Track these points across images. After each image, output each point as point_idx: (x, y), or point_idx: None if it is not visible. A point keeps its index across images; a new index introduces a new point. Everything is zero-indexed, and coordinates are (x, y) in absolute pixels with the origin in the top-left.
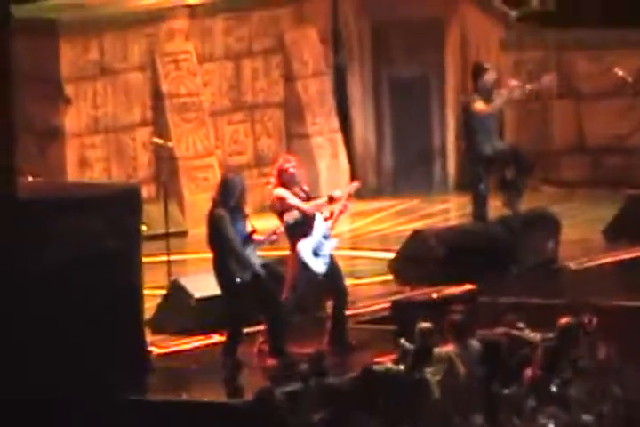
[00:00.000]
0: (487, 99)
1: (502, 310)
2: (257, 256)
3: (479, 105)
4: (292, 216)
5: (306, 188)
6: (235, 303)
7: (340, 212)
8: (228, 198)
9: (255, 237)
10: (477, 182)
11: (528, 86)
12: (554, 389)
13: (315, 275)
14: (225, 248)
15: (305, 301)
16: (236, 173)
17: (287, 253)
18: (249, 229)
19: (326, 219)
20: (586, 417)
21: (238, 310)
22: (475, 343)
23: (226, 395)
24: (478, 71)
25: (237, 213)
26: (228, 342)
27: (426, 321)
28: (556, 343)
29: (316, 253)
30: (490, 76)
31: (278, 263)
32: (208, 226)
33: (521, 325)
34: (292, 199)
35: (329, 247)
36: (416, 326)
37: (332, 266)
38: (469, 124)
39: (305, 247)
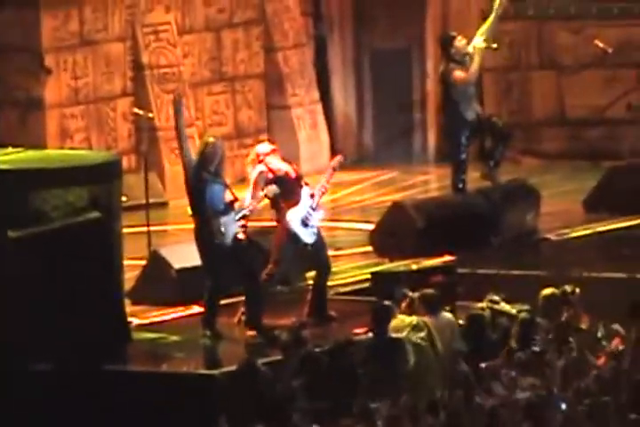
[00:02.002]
0: (463, 66)
1: (481, 282)
2: (237, 225)
3: (458, 73)
4: (271, 190)
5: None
6: (214, 273)
7: (322, 193)
8: (208, 162)
9: (236, 205)
10: (458, 152)
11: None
12: (531, 360)
13: (302, 246)
14: (204, 213)
15: (287, 272)
16: (216, 138)
17: (270, 224)
18: (230, 197)
19: (312, 195)
20: (564, 390)
21: (217, 280)
22: (446, 315)
23: (205, 366)
24: (447, 40)
25: (217, 179)
26: (207, 313)
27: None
28: (532, 315)
29: (304, 224)
30: (460, 43)
31: (258, 234)
32: (188, 191)
33: (496, 298)
34: (253, 187)
35: (317, 218)
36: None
37: (319, 238)
38: (449, 93)
39: (294, 217)
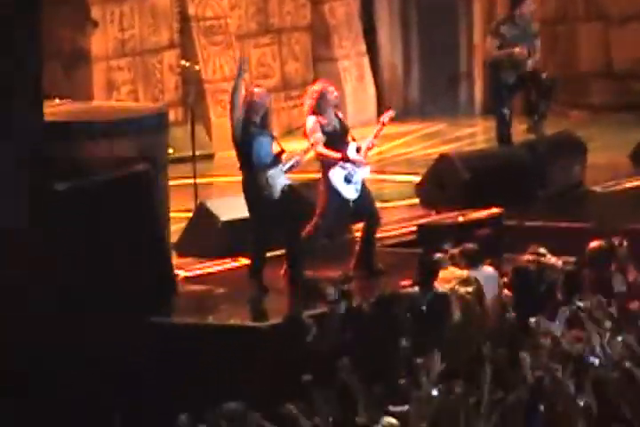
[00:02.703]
0: (522, 30)
1: (528, 234)
2: (284, 177)
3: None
4: (318, 139)
5: (340, 114)
6: (260, 224)
7: (368, 148)
8: (253, 113)
9: (284, 157)
10: (501, 105)
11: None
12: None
13: (346, 201)
14: (251, 166)
15: (332, 225)
16: (262, 89)
17: (318, 176)
18: (277, 149)
19: (358, 150)
20: (616, 339)
21: (264, 232)
22: (488, 269)
23: (251, 319)
24: (518, 1)
25: (264, 131)
26: (253, 265)
27: (451, 245)
28: (579, 267)
29: (347, 180)
30: (527, 7)
31: (307, 187)
32: (235, 144)
33: (542, 250)
34: (313, 136)
35: (361, 175)
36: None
37: (364, 191)
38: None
39: (337, 174)
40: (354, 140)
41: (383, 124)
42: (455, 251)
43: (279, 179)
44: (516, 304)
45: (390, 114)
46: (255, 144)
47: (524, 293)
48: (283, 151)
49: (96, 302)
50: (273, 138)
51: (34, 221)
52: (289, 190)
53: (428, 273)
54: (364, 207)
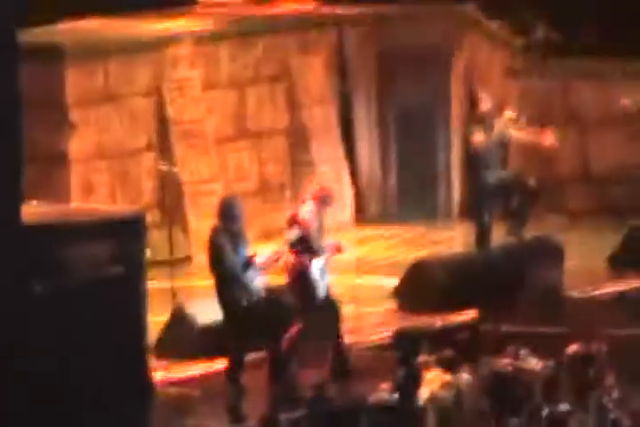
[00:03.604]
0: (487, 128)
1: (505, 338)
2: (260, 281)
3: (477, 137)
4: (293, 234)
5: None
6: (238, 329)
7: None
8: (229, 221)
9: (257, 259)
10: (481, 212)
11: (522, 119)
12: (556, 418)
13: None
14: (225, 274)
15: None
16: (234, 196)
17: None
18: (250, 253)
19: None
20: None
21: (241, 336)
22: (465, 376)
23: (230, 421)
24: (474, 101)
25: (239, 237)
26: (231, 369)
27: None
28: (556, 372)
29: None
30: (485, 105)
31: (283, 290)
32: (208, 252)
33: (523, 352)
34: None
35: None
36: (413, 358)
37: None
38: (471, 155)
39: (314, 266)
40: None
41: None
42: (432, 359)
43: (254, 283)
44: (494, 408)
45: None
46: (229, 252)
47: (502, 396)
48: (255, 254)
49: (72, 403)
50: (247, 241)
51: (8, 324)
52: (266, 294)
53: (413, 381)
54: (331, 313)
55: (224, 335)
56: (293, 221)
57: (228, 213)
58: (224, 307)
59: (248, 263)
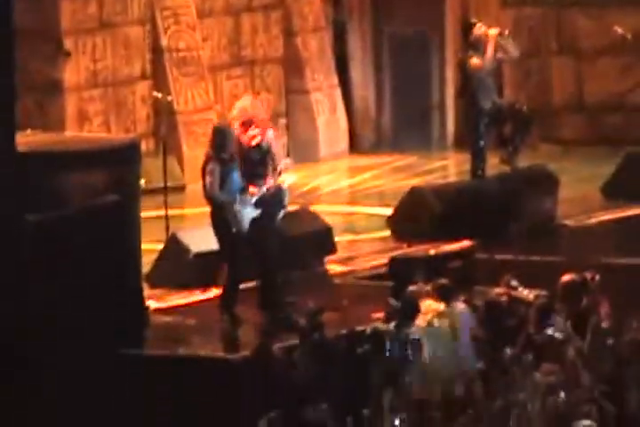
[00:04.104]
0: (482, 53)
1: (499, 267)
2: (253, 210)
3: (474, 60)
4: (288, 164)
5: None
6: (232, 258)
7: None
8: (221, 149)
9: (250, 189)
10: (476, 139)
11: (506, 31)
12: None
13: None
14: (218, 201)
15: (302, 256)
16: (226, 124)
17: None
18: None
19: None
20: (584, 375)
21: (237, 265)
22: (459, 305)
23: (223, 350)
24: (467, 27)
25: (232, 163)
26: (225, 297)
27: (422, 278)
28: (550, 301)
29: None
30: (479, 30)
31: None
32: (202, 180)
33: (514, 283)
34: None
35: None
36: (408, 286)
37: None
38: (467, 81)
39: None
40: None
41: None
42: (427, 287)
43: (247, 211)
44: (488, 337)
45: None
46: (223, 178)
47: (496, 326)
48: (249, 184)
49: (66, 332)
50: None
51: (5, 251)
52: (258, 222)
53: (410, 310)
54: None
55: (217, 262)
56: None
57: (220, 142)
58: (217, 233)
59: (243, 190)
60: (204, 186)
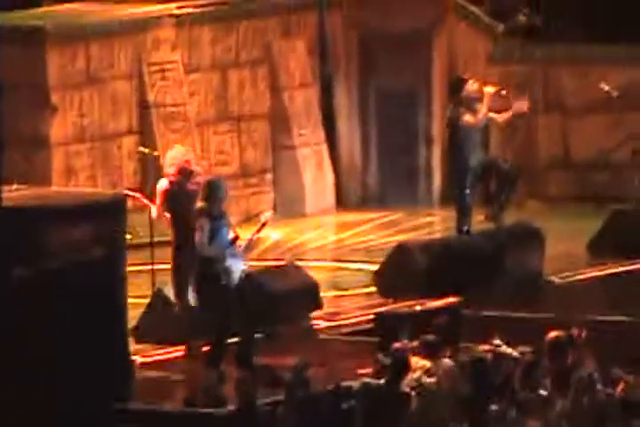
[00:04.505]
0: (473, 110)
1: (485, 324)
2: (241, 263)
3: (468, 118)
4: (268, 217)
5: None
6: (221, 311)
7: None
8: (214, 203)
9: (239, 243)
10: (462, 196)
11: (503, 92)
12: (534, 402)
13: None
14: (206, 256)
15: (288, 311)
16: (220, 178)
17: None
18: (232, 235)
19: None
20: None
21: (226, 320)
22: (447, 361)
23: (208, 405)
24: (459, 84)
25: (221, 219)
26: (213, 352)
27: (408, 334)
28: (536, 357)
29: None
30: (472, 87)
31: (263, 273)
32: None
33: (497, 342)
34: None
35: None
36: (394, 342)
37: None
38: (455, 138)
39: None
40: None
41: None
42: (414, 343)
43: (237, 266)
44: (473, 393)
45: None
46: (214, 234)
47: (481, 382)
48: (237, 237)
49: (52, 389)
50: (229, 224)
51: None
52: (246, 277)
53: (401, 367)
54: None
55: (203, 319)
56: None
57: (213, 195)
58: (203, 288)
59: (230, 245)
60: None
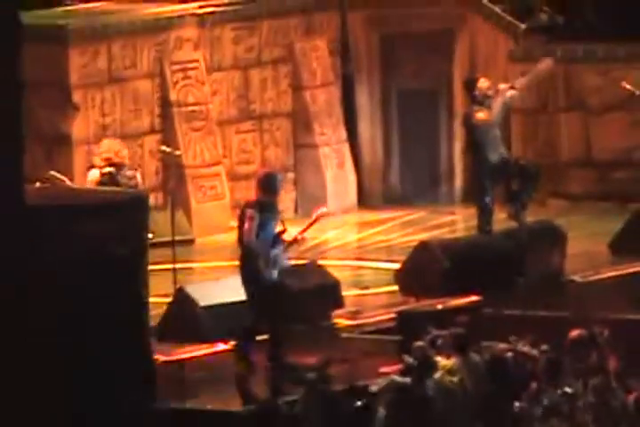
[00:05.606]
0: (487, 107)
1: (506, 323)
2: (284, 257)
3: (480, 115)
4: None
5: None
6: (257, 305)
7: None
8: (268, 194)
9: (285, 237)
10: (483, 194)
11: (517, 84)
12: (559, 401)
13: None
14: (251, 248)
15: (310, 310)
16: (275, 171)
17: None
18: (279, 228)
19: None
20: None
21: (260, 315)
22: (475, 356)
23: (230, 403)
24: (470, 82)
25: (271, 211)
26: (243, 347)
27: (429, 333)
28: (557, 355)
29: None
30: (483, 84)
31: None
32: (239, 224)
33: (514, 339)
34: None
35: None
36: (416, 341)
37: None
38: (472, 136)
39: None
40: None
41: (316, 220)
42: (445, 333)
43: (280, 259)
44: (494, 392)
45: (323, 210)
46: (264, 227)
47: (502, 380)
48: (284, 230)
49: (76, 389)
50: (279, 216)
51: (12, 306)
52: (282, 275)
53: (426, 367)
54: None
55: (226, 317)
56: None
57: (268, 187)
58: (244, 280)
59: (276, 239)
60: (241, 230)
